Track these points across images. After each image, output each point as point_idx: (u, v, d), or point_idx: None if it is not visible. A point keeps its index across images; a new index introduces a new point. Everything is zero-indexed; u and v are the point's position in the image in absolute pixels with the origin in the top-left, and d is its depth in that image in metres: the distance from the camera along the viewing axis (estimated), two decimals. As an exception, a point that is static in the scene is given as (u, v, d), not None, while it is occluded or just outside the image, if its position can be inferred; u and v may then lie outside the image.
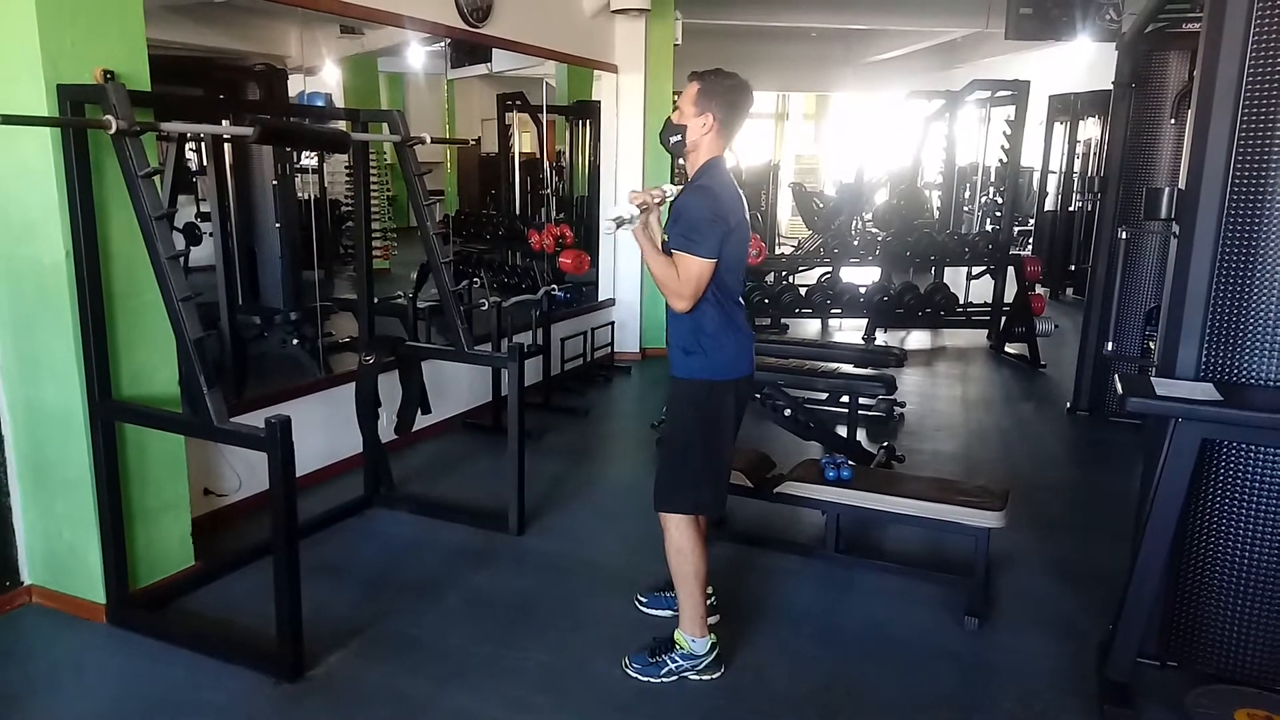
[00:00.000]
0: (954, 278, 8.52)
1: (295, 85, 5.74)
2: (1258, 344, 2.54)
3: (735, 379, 2.63)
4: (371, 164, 3.96)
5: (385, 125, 3.73)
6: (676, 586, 2.73)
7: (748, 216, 2.63)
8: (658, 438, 4.82)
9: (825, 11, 11.67)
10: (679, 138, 2.56)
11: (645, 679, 2.70)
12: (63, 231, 2.73)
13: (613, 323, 6.81)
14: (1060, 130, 10.44)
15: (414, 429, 4.05)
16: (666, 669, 2.71)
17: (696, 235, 2.45)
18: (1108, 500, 4.31)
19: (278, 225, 4.98)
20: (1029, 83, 7.82)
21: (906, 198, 9.97)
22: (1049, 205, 10.83)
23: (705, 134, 2.54)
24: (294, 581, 2.61)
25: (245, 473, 3.71)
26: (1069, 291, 10.40)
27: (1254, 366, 2.56)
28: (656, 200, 2.62)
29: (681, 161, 2.72)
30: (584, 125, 8.28)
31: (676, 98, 7.70)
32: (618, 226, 2.54)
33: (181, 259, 2.64)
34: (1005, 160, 8.41)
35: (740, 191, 2.62)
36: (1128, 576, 2.58)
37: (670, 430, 2.74)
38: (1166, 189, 2.70)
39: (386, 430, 3.99)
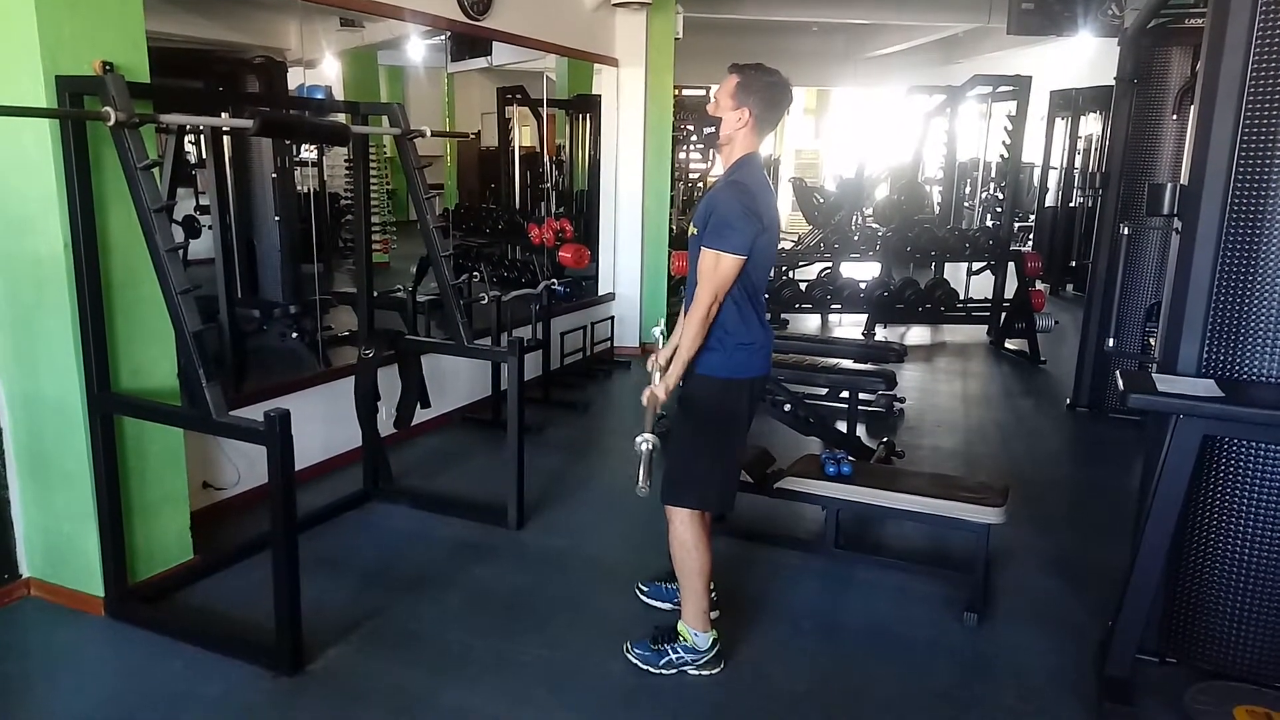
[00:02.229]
0: (954, 273, 8.51)
1: (295, 78, 5.72)
2: (1260, 340, 2.54)
3: (751, 378, 2.61)
4: (371, 157, 3.94)
5: (385, 118, 3.72)
6: (680, 581, 2.73)
7: (779, 215, 2.61)
8: (659, 432, 4.82)
9: (826, 6, 11.66)
10: (713, 130, 2.55)
11: (645, 666, 2.71)
12: (61, 224, 2.72)
13: (612, 317, 6.80)
14: (1061, 126, 10.43)
15: (413, 423, 4.04)
16: (667, 659, 2.71)
17: (729, 230, 2.43)
18: (1108, 496, 4.31)
19: (277, 218, 4.96)
20: (1030, 78, 7.80)
21: (907, 193, 9.95)
22: (1050, 201, 10.82)
23: (740, 128, 2.51)
24: (293, 575, 2.61)
25: (244, 466, 3.70)
26: (1069, 287, 10.40)
27: (1256, 363, 2.55)
28: (652, 369, 2.72)
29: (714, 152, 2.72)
30: (584, 119, 8.25)
31: (677, 92, 7.72)
32: (652, 450, 2.51)
33: (180, 252, 2.63)
34: (1006, 156, 8.40)
35: (773, 190, 2.60)
36: (1128, 573, 2.58)
37: (682, 425, 2.72)
38: (1169, 185, 2.69)
39: (385, 424, 3.99)
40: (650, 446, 2.48)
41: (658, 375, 2.66)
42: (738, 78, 2.51)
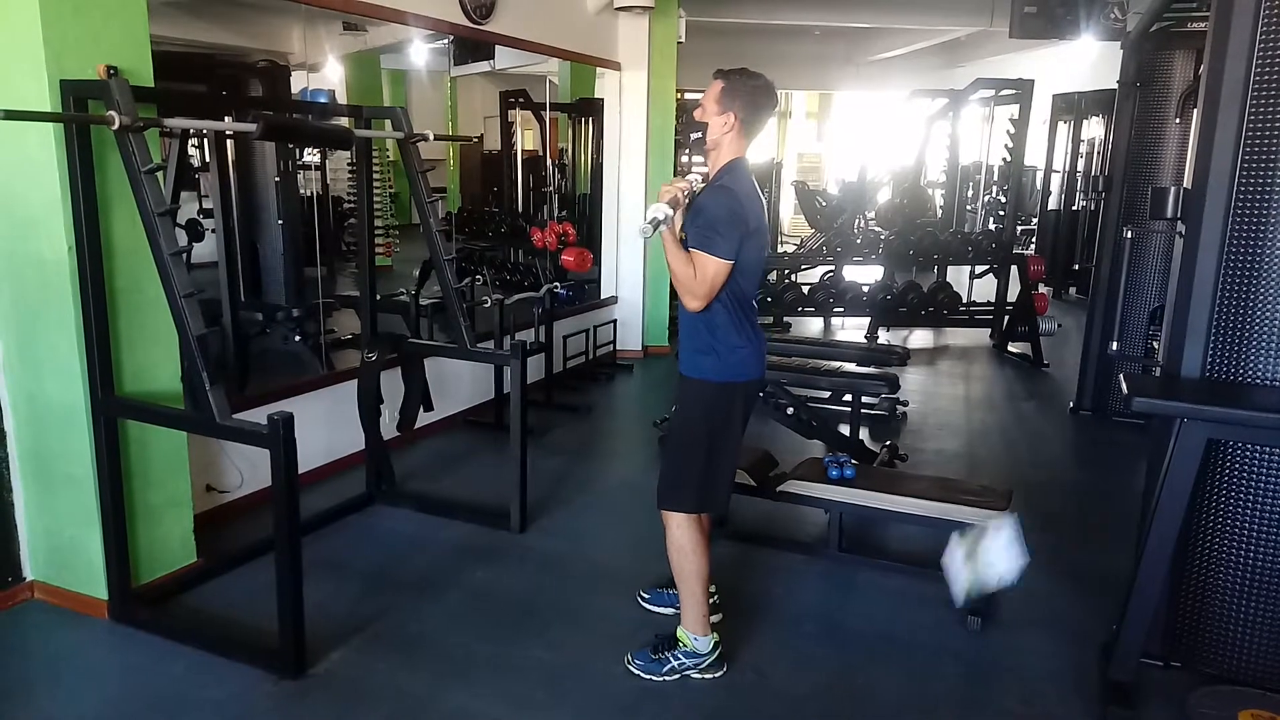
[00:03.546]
0: (957, 277, 8.51)
1: (298, 82, 5.74)
2: (1263, 344, 2.53)
3: (745, 381, 2.61)
4: (374, 161, 3.95)
5: (388, 122, 3.73)
6: (678, 585, 2.73)
7: (767, 220, 2.61)
8: (660, 436, 4.82)
9: (829, 10, 11.65)
10: (700, 135, 2.55)
11: (647, 676, 2.70)
12: (65, 227, 2.73)
13: (615, 320, 6.80)
14: (1064, 129, 10.42)
15: (416, 426, 4.04)
16: (669, 666, 2.70)
17: (715, 235, 2.43)
18: (1111, 500, 4.30)
19: (280, 222, 4.97)
20: (1033, 82, 7.80)
21: (909, 196, 9.95)
22: (1052, 204, 10.81)
23: (726, 133, 2.52)
24: (296, 578, 2.61)
25: (247, 469, 3.71)
26: (1072, 291, 10.39)
27: (1260, 366, 2.55)
28: (684, 193, 2.52)
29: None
30: (587, 123, 8.27)
31: (679, 96, 7.72)
32: (655, 229, 2.41)
33: (184, 255, 2.64)
34: (1009, 159, 8.39)
35: (761, 194, 2.60)
36: (1132, 576, 2.57)
37: (676, 429, 2.73)
38: (1172, 188, 2.69)
39: (388, 427, 3.99)
40: (664, 216, 2.40)
41: (673, 191, 2.49)
42: (722, 83, 2.52)
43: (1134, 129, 5.30)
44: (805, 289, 8.06)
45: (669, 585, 3.04)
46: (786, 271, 8.49)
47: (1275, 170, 2.47)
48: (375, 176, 4.12)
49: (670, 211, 2.44)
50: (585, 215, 8.19)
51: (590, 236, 7.32)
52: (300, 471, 2.64)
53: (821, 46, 15.05)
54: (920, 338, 8.13)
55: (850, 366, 4.87)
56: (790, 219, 15.43)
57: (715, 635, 2.74)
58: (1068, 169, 10.42)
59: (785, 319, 8.02)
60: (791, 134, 18.42)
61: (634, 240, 6.85)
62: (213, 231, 4.74)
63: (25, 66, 2.65)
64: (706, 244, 2.44)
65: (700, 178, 2.67)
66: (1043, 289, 8.08)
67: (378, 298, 4.04)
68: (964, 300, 7.94)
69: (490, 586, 3.29)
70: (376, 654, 2.81)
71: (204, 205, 5.93)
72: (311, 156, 6.12)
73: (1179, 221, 2.72)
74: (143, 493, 3.04)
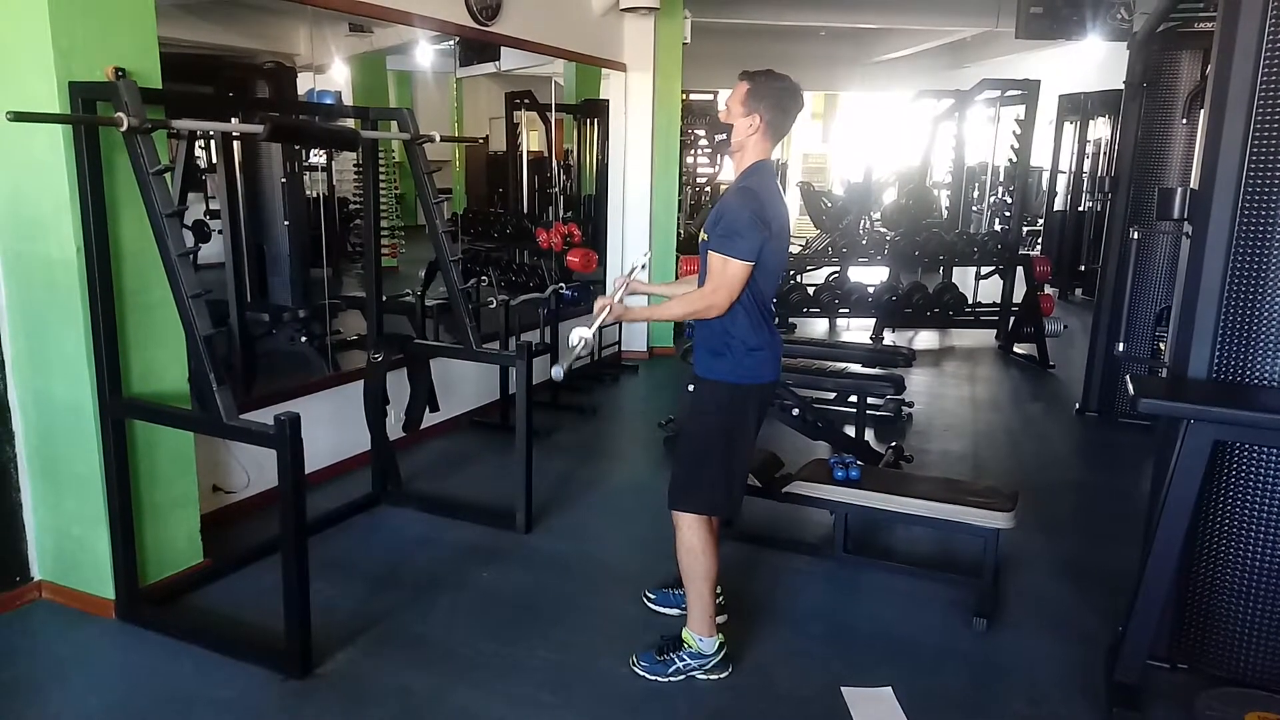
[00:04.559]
0: (962, 277, 8.50)
1: (304, 83, 5.75)
2: (1271, 345, 2.53)
3: (760, 384, 2.61)
4: (380, 162, 3.96)
5: (394, 123, 3.74)
6: (686, 585, 2.73)
7: (790, 223, 2.62)
8: (666, 436, 4.83)
9: (834, 10, 11.65)
10: (725, 137, 2.56)
11: (652, 677, 2.70)
12: (73, 228, 2.74)
13: (620, 321, 6.79)
14: (1070, 130, 10.40)
15: (422, 427, 4.05)
16: (674, 667, 2.70)
17: (736, 237, 2.43)
18: (1117, 501, 4.29)
19: (286, 223, 4.99)
20: (1039, 82, 7.79)
21: (915, 197, 9.95)
22: (1058, 205, 10.80)
23: (751, 135, 2.52)
24: (302, 578, 2.62)
25: (254, 470, 3.72)
26: (1078, 292, 10.37)
27: (1267, 367, 2.54)
28: (619, 287, 2.72)
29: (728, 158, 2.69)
30: (592, 124, 8.29)
31: (685, 97, 7.72)
32: (572, 360, 2.56)
33: (191, 256, 2.65)
34: (1014, 160, 8.39)
35: (784, 197, 2.60)
36: (1138, 578, 2.57)
37: (690, 430, 2.73)
38: (1179, 189, 2.69)
39: (394, 428, 4.00)
40: (584, 345, 2.54)
41: (620, 294, 2.71)
42: (748, 84, 2.51)
43: (1140, 129, 5.29)
44: (810, 290, 8.06)
45: (674, 585, 3.05)
46: (792, 272, 8.48)
47: (1282, 171, 2.46)
48: (381, 178, 4.13)
49: (588, 335, 2.51)
50: (590, 216, 8.21)
51: (595, 237, 7.33)
52: (306, 472, 2.65)
53: (828, 47, 15.05)
54: (925, 339, 8.12)
55: (855, 367, 4.87)
56: (795, 220, 15.42)
57: (720, 636, 2.74)
58: (1074, 170, 10.40)
59: (791, 320, 8.02)
60: (797, 134, 18.42)
61: (640, 242, 6.85)
62: (220, 233, 4.77)
63: (34, 68, 2.66)
64: (727, 246, 2.44)
65: (644, 262, 2.79)
66: (1048, 290, 8.07)
67: (383, 299, 4.05)
68: (969, 301, 7.92)
69: (496, 587, 3.29)
70: (382, 654, 2.82)
71: (211, 207, 5.96)
72: (318, 158, 6.14)
73: (1185, 222, 2.72)
74: (150, 493, 3.05)
